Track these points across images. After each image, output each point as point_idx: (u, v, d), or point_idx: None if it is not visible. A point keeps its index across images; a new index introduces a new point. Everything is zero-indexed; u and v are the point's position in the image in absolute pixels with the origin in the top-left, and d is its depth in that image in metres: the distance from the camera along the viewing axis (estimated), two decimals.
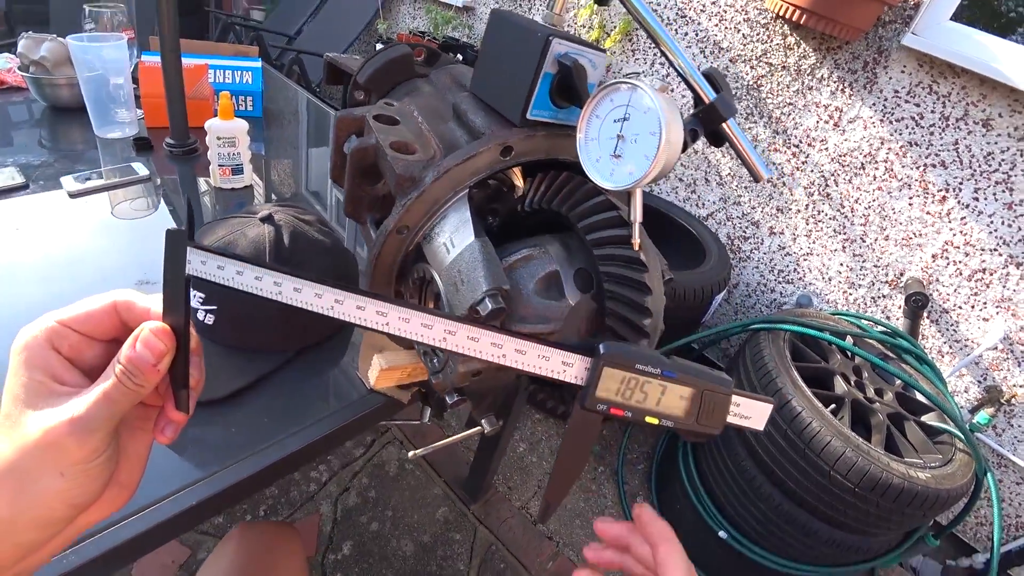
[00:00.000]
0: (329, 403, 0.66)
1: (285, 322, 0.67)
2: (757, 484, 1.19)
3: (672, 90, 1.69)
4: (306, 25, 3.22)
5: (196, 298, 0.66)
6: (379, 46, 2.02)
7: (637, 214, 0.35)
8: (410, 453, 0.52)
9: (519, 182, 0.43)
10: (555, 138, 0.39)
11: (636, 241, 0.35)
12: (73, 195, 0.93)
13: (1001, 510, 1.49)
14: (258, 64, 1.39)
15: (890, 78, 1.44)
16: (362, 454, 1.49)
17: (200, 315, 0.66)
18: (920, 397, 1.28)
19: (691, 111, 0.36)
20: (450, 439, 0.54)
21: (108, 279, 0.77)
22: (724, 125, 0.35)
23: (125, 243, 0.86)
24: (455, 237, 0.35)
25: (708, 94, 0.35)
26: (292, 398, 0.66)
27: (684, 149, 0.34)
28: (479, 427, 0.54)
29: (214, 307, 0.66)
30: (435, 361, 0.37)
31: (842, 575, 1.29)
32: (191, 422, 0.59)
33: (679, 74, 0.37)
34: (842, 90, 1.51)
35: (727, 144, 0.36)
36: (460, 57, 2.23)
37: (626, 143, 0.33)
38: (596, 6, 1.76)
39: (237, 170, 1.07)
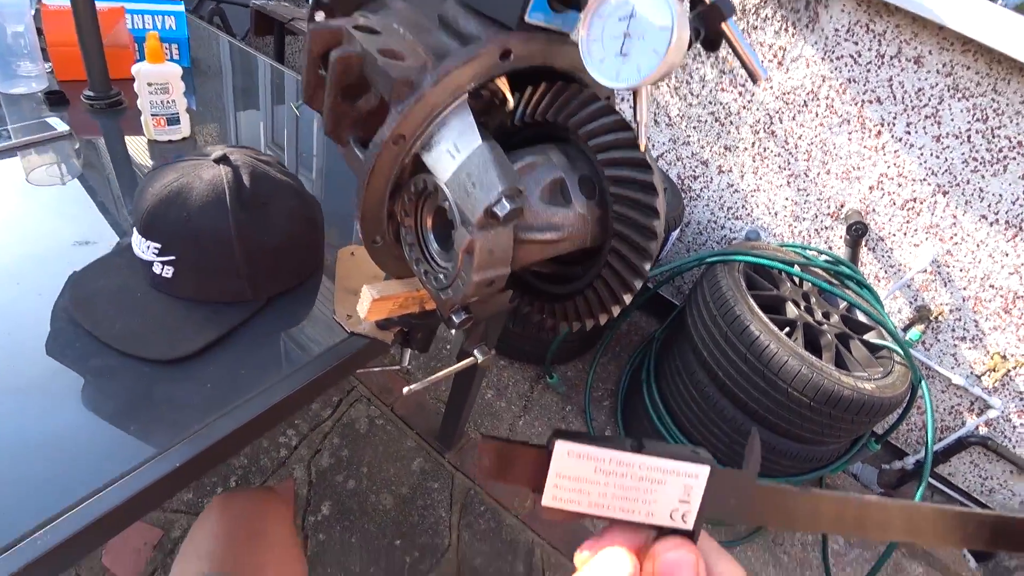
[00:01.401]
0: (308, 349, 0.63)
1: (252, 268, 0.63)
2: (720, 407, 1.27)
3: None
4: None
5: (151, 249, 0.61)
6: None
7: (644, 114, 0.34)
8: (405, 389, 0.51)
9: (509, 94, 0.41)
10: (552, 44, 0.37)
11: (643, 142, 0.35)
12: None
13: (934, 414, 1.65)
14: (181, 8, 1.27)
15: (831, 17, 1.48)
16: (330, 415, 1.47)
17: (156, 268, 0.62)
18: (862, 318, 1.38)
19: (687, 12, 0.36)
20: (445, 371, 0.54)
21: (38, 242, 0.69)
22: (724, 25, 0.35)
23: (50, 207, 0.77)
24: (459, 142, 0.33)
25: None
26: (268, 348, 0.63)
27: (688, 48, 0.33)
28: (472, 358, 0.54)
29: (172, 257, 0.61)
30: (441, 277, 0.36)
31: (795, 482, 1.40)
32: (160, 382, 0.56)
33: None
34: (785, 29, 1.55)
35: (724, 46, 0.36)
36: None
37: (633, 40, 0.32)
38: None
39: (173, 119, 0.98)
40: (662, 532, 0.22)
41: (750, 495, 0.22)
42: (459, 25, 0.38)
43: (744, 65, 0.36)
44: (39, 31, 1.06)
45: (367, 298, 0.44)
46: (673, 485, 0.21)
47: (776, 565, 1.48)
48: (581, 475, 0.21)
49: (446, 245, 0.37)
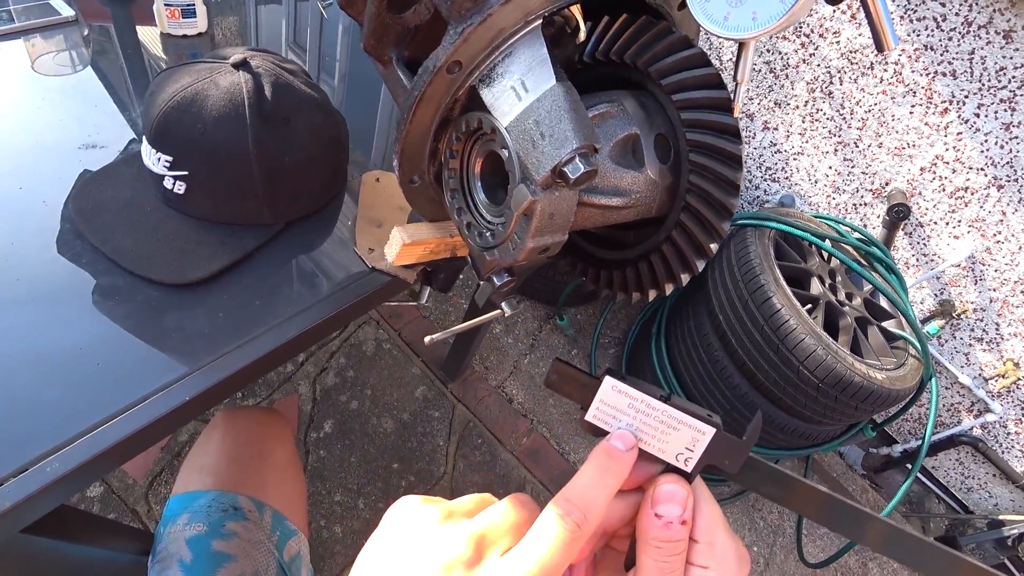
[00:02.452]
0: (327, 282, 0.60)
1: (271, 189, 0.58)
2: (727, 373, 1.25)
3: None
4: None
5: (161, 161, 0.56)
6: None
7: (746, 72, 0.29)
8: (427, 339, 0.48)
9: (582, 23, 0.36)
10: None
11: (738, 106, 0.30)
12: None
13: (937, 411, 1.65)
14: None
15: None
16: (338, 334, 1.47)
17: (168, 183, 0.57)
18: (885, 304, 1.34)
19: None
20: (470, 322, 0.51)
21: (42, 144, 0.65)
22: None
23: (57, 101, 0.72)
24: (528, 79, 0.28)
25: None
26: (283, 278, 0.59)
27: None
28: (499, 311, 0.51)
29: (185, 172, 0.56)
30: (488, 235, 0.32)
31: (787, 457, 1.42)
32: (171, 308, 0.53)
33: None
34: None
35: (839, 14, 0.30)
36: None
37: None
38: None
39: (188, 11, 0.90)
40: (667, 469, 0.28)
41: (742, 460, 0.27)
42: None
43: (874, 29, 0.30)
44: None
45: (397, 242, 0.40)
46: (684, 433, 0.27)
47: (752, 529, 1.53)
48: (618, 406, 0.27)
49: (496, 197, 0.32)
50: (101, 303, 0.52)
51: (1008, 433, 1.60)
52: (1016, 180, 1.35)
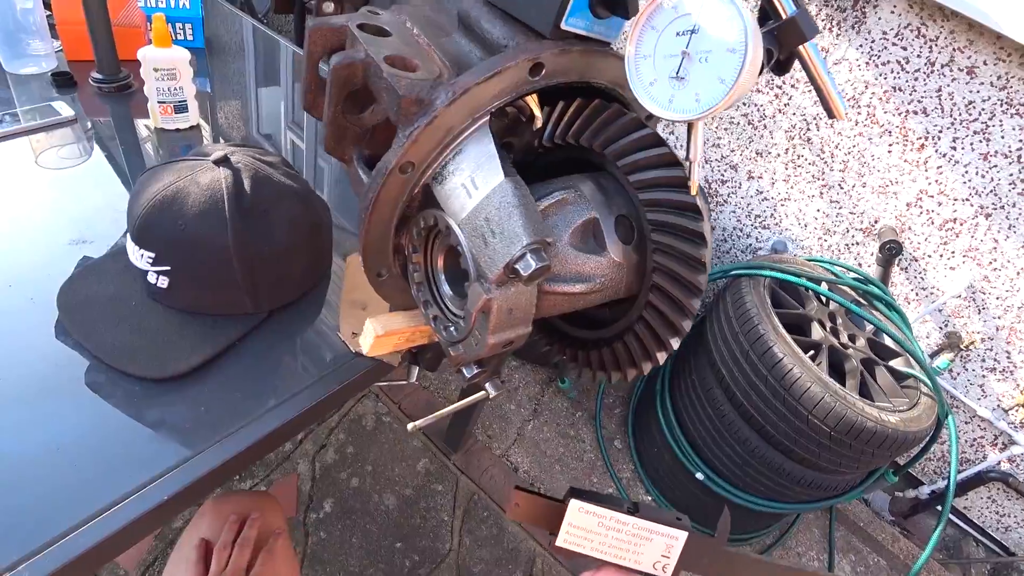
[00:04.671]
0: (310, 370, 0.59)
1: (252, 280, 0.58)
2: (735, 428, 1.21)
3: None
4: None
5: (144, 257, 0.57)
6: None
7: (697, 151, 0.29)
8: (409, 426, 0.46)
9: (538, 111, 0.36)
10: (591, 55, 0.32)
11: (694, 183, 0.30)
12: None
13: (958, 449, 1.59)
14: None
15: (879, 18, 1.39)
16: (337, 410, 1.44)
17: (151, 277, 0.57)
18: (890, 343, 1.31)
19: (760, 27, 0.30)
20: (453, 407, 0.49)
21: (35, 240, 0.66)
22: (803, 48, 0.29)
23: (55, 196, 0.74)
24: (477, 177, 0.28)
25: (787, 6, 0.29)
26: (267, 367, 0.59)
27: (760, 74, 0.28)
28: (483, 392, 0.49)
29: (167, 267, 0.57)
30: (452, 330, 0.31)
31: (808, 510, 1.35)
32: (151, 403, 0.52)
33: None
34: (830, 29, 1.46)
35: (800, 72, 0.31)
36: None
37: (692, 62, 0.27)
38: None
39: (180, 107, 0.94)
40: None
41: (718, 558, 0.27)
42: (482, 28, 0.33)
43: (822, 98, 0.31)
44: (47, 5, 1.02)
45: (370, 334, 0.39)
46: (658, 543, 0.27)
47: None
48: (588, 526, 0.28)
49: (460, 290, 0.32)
50: (83, 400, 0.52)
51: None
52: (1003, 207, 1.36)
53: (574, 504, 0.27)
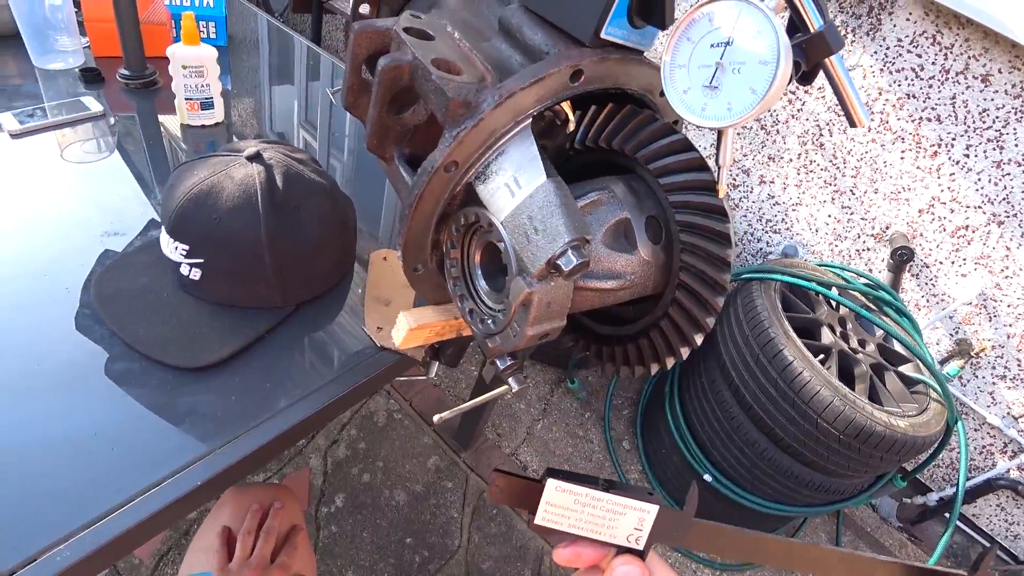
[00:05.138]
0: (335, 364, 0.61)
1: (282, 274, 0.60)
2: (744, 430, 1.22)
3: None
4: None
5: (179, 250, 0.59)
6: None
7: (727, 156, 0.31)
8: (436, 417, 0.48)
9: (572, 115, 0.38)
10: (626, 63, 0.34)
11: (723, 187, 0.31)
12: (15, 135, 0.82)
13: (968, 456, 1.59)
14: None
15: (894, 25, 1.40)
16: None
17: (184, 269, 0.60)
18: (900, 348, 1.32)
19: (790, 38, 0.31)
20: (476, 400, 0.51)
21: (67, 231, 0.68)
22: (828, 60, 0.31)
23: (81, 189, 0.77)
24: (520, 176, 0.30)
25: (815, 20, 0.30)
26: (294, 359, 0.61)
27: (788, 84, 0.29)
28: (507, 387, 0.51)
29: (200, 260, 0.59)
30: (490, 322, 0.33)
31: (816, 514, 1.35)
32: (183, 392, 0.54)
33: None
34: (845, 34, 1.47)
35: (824, 83, 0.32)
36: None
37: (726, 72, 0.29)
38: None
39: (207, 104, 0.96)
40: (620, 550, 0.30)
41: (688, 529, 0.30)
42: (524, 35, 0.35)
43: (845, 108, 0.32)
44: (76, 2, 1.04)
45: (403, 327, 0.41)
46: (631, 516, 0.29)
47: None
48: (564, 504, 0.29)
49: (496, 284, 0.34)
50: (117, 388, 0.53)
51: None
52: (1015, 215, 1.36)
53: (551, 483, 0.28)
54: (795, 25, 0.32)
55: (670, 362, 0.36)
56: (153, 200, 0.77)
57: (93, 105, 0.92)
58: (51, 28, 0.99)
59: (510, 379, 0.51)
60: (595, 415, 1.63)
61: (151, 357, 0.56)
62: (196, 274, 0.60)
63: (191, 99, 0.94)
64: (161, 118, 0.98)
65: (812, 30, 0.31)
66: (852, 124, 0.33)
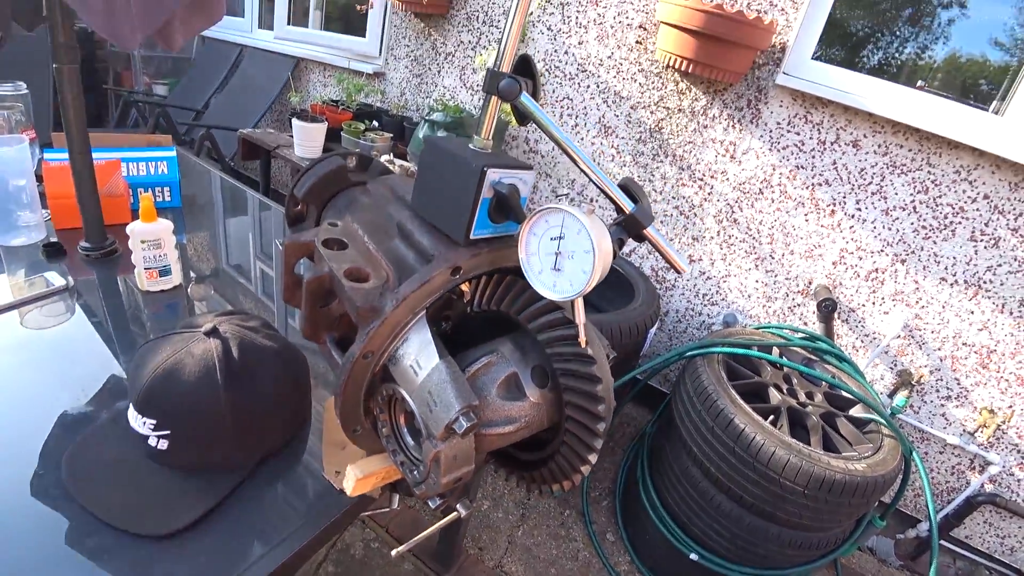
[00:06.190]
0: (299, 510, 0.65)
1: (243, 435, 0.66)
2: (717, 502, 1.26)
3: (594, 202, 1.78)
4: (213, 98, 3.17)
5: (147, 424, 0.64)
6: (293, 120, 2.04)
7: (580, 316, 0.39)
8: (393, 552, 0.52)
9: (465, 287, 0.47)
10: (497, 251, 0.43)
11: (583, 339, 0.40)
12: None
13: (931, 481, 1.64)
14: (173, 153, 1.36)
15: (771, 112, 1.62)
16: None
17: (152, 441, 0.64)
18: (846, 393, 1.41)
19: (613, 219, 0.42)
20: (429, 530, 0.56)
21: (31, 408, 0.72)
22: (644, 231, 0.41)
23: (43, 360, 0.79)
24: (420, 359, 0.38)
25: (627, 204, 0.40)
26: (261, 512, 0.64)
27: (614, 257, 0.39)
28: (456, 512, 0.56)
29: (167, 432, 0.64)
30: (415, 472, 0.39)
31: (810, 570, 1.36)
32: (159, 559, 0.57)
33: (597, 187, 0.42)
34: (733, 126, 1.69)
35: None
36: (376, 123, 2.26)
37: (564, 258, 0.38)
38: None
39: (164, 271, 1.04)
40: None
41: None
42: (415, 238, 0.44)
43: (667, 260, 0.42)
44: (39, 178, 1.11)
45: (351, 478, 0.47)
46: None
47: None
48: None
49: (419, 440, 0.41)
50: (91, 564, 0.55)
51: (1018, 480, 1.58)
52: (913, 252, 1.53)
53: None
54: (619, 208, 0.43)
55: (577, 478, 0.43)
56: (116, 371, 0.82)
57: (56, 280, 0.97)
58: (14, 205, 1.05)
59: (457, 505, 0.57)
60: (575, 511, 1.63)
61: (123, 529, 0.59)
62: (163, 444, 0.65)
63: (150, 268, 1.02)
64: (123, 284, 1.04)
65: (627, 213, 0.41)
66: (677, 272, 0.43)
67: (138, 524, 0.59)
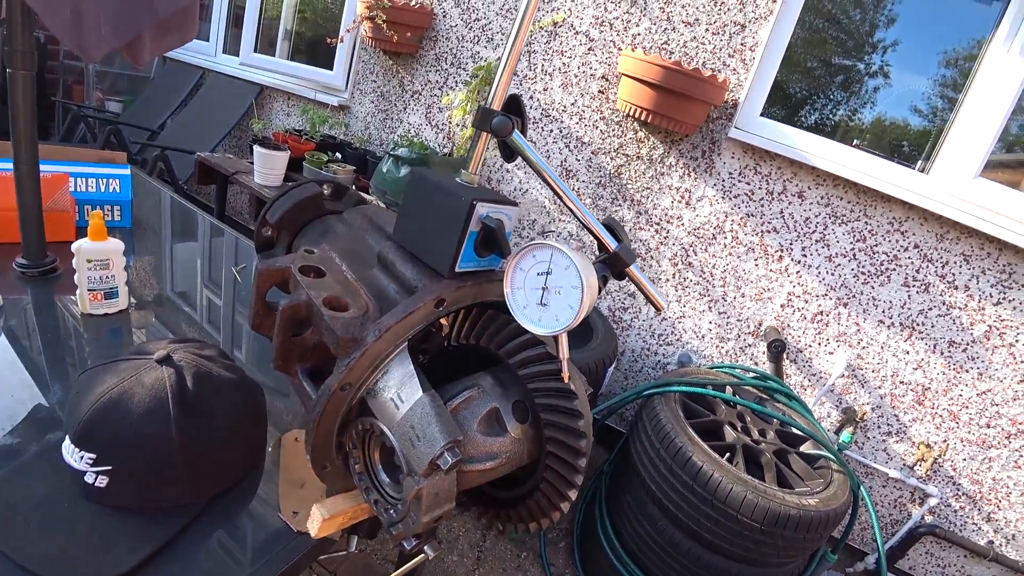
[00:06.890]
0: (254, 556, 0.60)
1: (194, 472, 0.61)
2: (676, 541, 1.26)
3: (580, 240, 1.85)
4: (170, 119, 3.08)
5: (84, 459, 0.58)
6: (255, 147, 2.00)
7: (564, 352, 0.40)
8: None
9: (444, 321, 0.46)
10: (479, 284, 0.43)
11: (566, 374, 0.40)
12: None
13: (877, 514, 1.70)
14: (127, 172, 1.30)
15: (724, 163, 1.72)
16: None
17: (89, 478, 0.59)
18: (796, 430, 1.46)
19: (597, 256, 0.43)
20: (398, 572, 0.53)
21: None
22: (627, 269, 0.42)
23: None
24: (403, 392, 0.37)
25: (611, 243, 0.42)
26: (212, 556, 0.59)
27: (599, 293, 0.40)
28: (423, 555, 0.54)
29: (108, 467, 0.58)
30: (391, 512, 0.38)
31: None
32: None
33: (583, 225, 0.43)
34: (688, 174, 1.78)
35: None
36: (339, 155, 2.25)
37: (551, 294, 0.39)
38: (467, 109, 1.91)
39: (111, 293, 0.97)
40: None
41: None
42: (397, 269, 0.44)
43: (647, 297, 0.43)
44: None
45: (317, 518, 0.44)
46: None
47: None
48: None
49: (395, 476, 0.39)
50: None
51: (955, 510, 1.66)
52: (854, 296, 1.63)
53: None
54: (602, 245, 0.44)
55: (556, 516, 0.42)
56: (50, 402, 0.76)
57: None
58: None
59: (425, 548, 0.55)
60: (531, 554, 1.59)
61: None
62: (103, 481, 0.59)
63: (94, 290, 0.95)
64: (60, 308, 0.97)
65: (610, 251, 0.43)
66: (657, 309, 0.45)
67: (69, 572, 0.54)
